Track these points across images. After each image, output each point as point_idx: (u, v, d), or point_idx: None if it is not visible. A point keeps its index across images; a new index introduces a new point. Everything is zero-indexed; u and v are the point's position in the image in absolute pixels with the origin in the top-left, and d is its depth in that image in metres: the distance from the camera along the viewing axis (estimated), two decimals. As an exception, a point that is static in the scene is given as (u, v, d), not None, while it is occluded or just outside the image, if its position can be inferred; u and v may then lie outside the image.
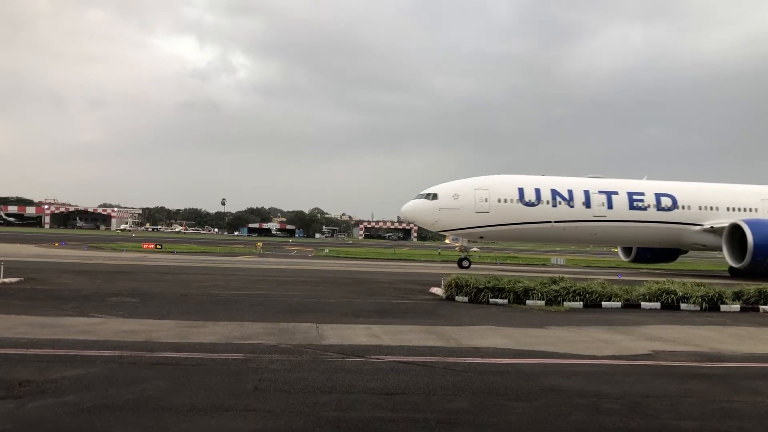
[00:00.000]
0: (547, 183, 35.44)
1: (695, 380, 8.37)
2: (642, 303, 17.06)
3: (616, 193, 35.44)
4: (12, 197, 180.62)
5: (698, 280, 20.61)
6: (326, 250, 56.89)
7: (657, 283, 18.23)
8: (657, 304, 16.99)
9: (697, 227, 35.28)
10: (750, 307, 17.27)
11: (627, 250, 41.86)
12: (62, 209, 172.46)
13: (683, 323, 14.27)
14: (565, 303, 16.63)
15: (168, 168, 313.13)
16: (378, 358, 8.96)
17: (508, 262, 47.53)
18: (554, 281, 17.96)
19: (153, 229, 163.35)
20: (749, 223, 32.43)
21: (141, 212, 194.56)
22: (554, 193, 34.72)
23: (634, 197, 35.50)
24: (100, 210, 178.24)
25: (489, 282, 17.31)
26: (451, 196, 33.95)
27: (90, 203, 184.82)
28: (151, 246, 48.20)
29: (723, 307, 16.91)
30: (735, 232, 32.76)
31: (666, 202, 35.63)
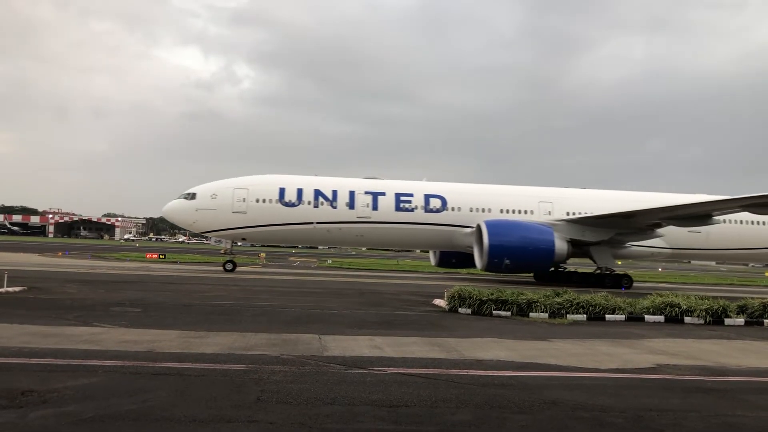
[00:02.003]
0: (311, 183, 34.36)
1: (699, 394, 8.32)
2: (646, 316, 17.00)
3: (383, 194, 34.41)
4: (16, 206, 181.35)
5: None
6: (329, 261, 56.85)
7: (661, 296, 18.17)
8: (661, 318, 16.94)
9: (468, 229, 33.93)
10: (754, 321, 17.19)
11: (435, 254, 40.37)
12: (66, 218, 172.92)
13: (687, 337, 14.20)
14: (568, 315, 16.58)
15: (172, 178, 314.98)
16: (381, 370, 8.94)
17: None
18: (557, 294, 17.92)
19: (156, 238, 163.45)
20: (488, 224, 31.57)
21: (145, 222, 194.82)
22: (317, 193, 33.71)
23: (402, 198, 34.44)
24: (103, 219, 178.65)
25: (492, 294, 17.28)
26: (210, 195, 32.83)
27: (94, 212, 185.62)
28: (155, 256, 48.22)
29: (727, 321, 16.84)
30: (481, 234, 31.85)
31: (435, 203, 34.58)
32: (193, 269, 35.93)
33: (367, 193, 34.28)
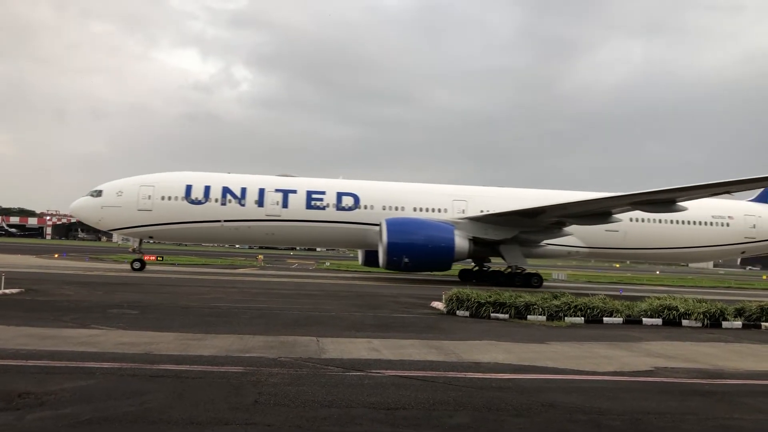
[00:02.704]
0: (219, 180, 33.98)
1: (697, 397, 8.33)
2: (643, 319, 17.02)
3: (294, 191, 34.10)
4: (14, 208, 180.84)
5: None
6: (327, 263, 56.80)
7: (658, 298, 18.20)
8: (658, 320, 16.96)
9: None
10: (752, 324, 17.21)
11: (362, 253, 39.61)
12: (64, 220, 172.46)
13: (685, 339, 14.22)
14: (566, 318, 16.59)
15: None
16: (378, 373, 8.93)
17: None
18: (555, 296, 17.94)
19: (154, 240, 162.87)
20: (389, 222, 31.38)
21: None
22: (225, 190, 33.30)
23: (313, 196, 34.13)
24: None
25: (490, 297, 17.28)
26: (115, 193, 32.44)
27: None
28: (152, 258, 48.07)
29: (725, 324, 16.86)
30: (381, 232, 31.64)
31: (347, 201, 34.26)
32: (190, 271, 35.89)
33: (277, 190, 33.92)
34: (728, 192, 29.69)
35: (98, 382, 7.66)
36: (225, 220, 33.11)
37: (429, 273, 37.16)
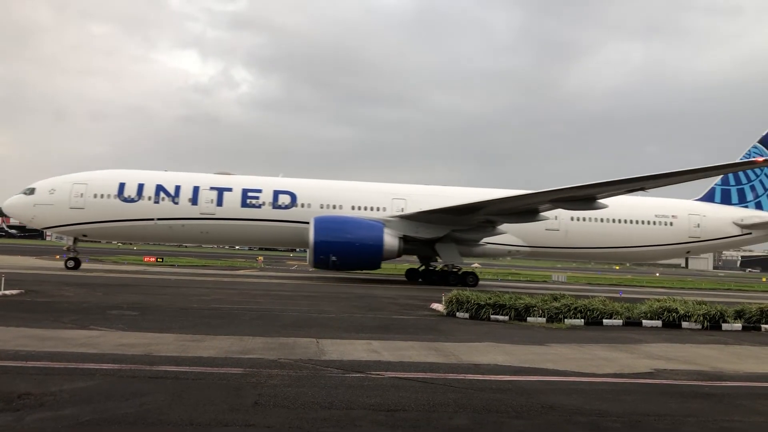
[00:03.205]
0: (153, 178, 33.59)
1: (697, 399, 8.33)
2: (643, 321, 17.01)
3: (229, 189, 33.72)
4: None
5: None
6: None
7: (658, 300, 18.20)
8: (658, 322, 16.95)
9: None
10: (752, 326, 17.21)
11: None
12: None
13: (685, 342, 14.21)
14: (566, 320, 16.58)
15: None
16: (378, 374, 8.93)
17: (509, 278, 47.42)
18: (555, 298, 17.94)
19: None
20: (316, 220, 31.09)
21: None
22: (159, 188, 32.95)
23: (249, 194, 33.78)
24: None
25: (490, 298, 17.29)
26: (48, 190, 32.10)
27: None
28: (152, 259, 48.17)
29: (725, 326, 16.85)
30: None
31: (284, 199, 33.92)
32: (190, 272, 35.88)
33: (212, 188, 33.62)
34: (643, 189, 29.37)
35: (98, 384, 7.65)
36: (158, 218, 32.81)
37: (375, 273, 36.72)
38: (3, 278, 18.06)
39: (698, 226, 37.63)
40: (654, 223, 37.22)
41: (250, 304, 18.56)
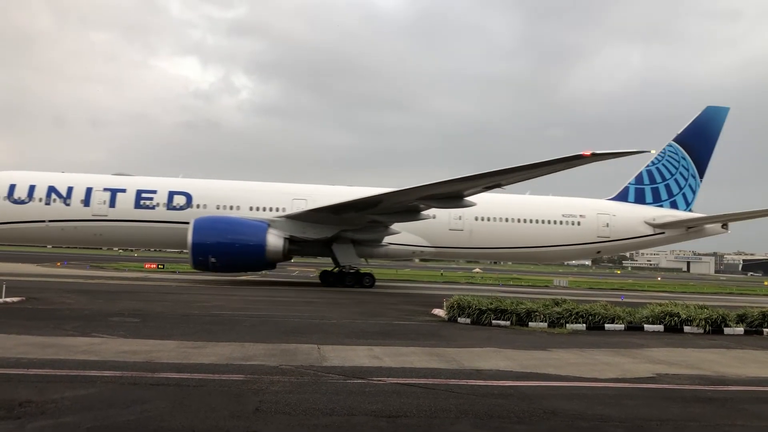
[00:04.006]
0: (46, 180, 32.65)
1: (699, 404, 8.31)
2: (645, 325, 16.99)
3: (123, 190, 32.93)
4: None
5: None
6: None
7: (660, 305, 18.18)
8: (660, 327, 16.93)
9: None
10: (754, 330, 17.18)
11: None
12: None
13: (686, 346, 14.19)
14: (567, 325, 16.56)
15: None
16: (380, 380, 8.92)
17: (510, 283, 47.38)
18: (557, 303, 17.91)
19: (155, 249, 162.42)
20: (196, 221, 30.06)
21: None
22: (51, 190, 32.07)
23: (143, 195, 32.98)
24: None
25: (491, 303, 17.26)
26: None
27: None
28: (153, 266, 48.12)
29: (726, 330, 16.83)
30: None
31: (179, 200, 33.11)
32: (191, 279, 35.85)
33: (105, 189, 32.94)
34: (499, 185, 28.71)
35: (99, 391, 7.64)
36: (50, 221, 32.14)
37: (276, 274, 35.98)
38: (4, 286, 18.06)
39: (607, 225, 36.96)
40: (561, 222, 36.57)
41: (251, 310, 18.54)
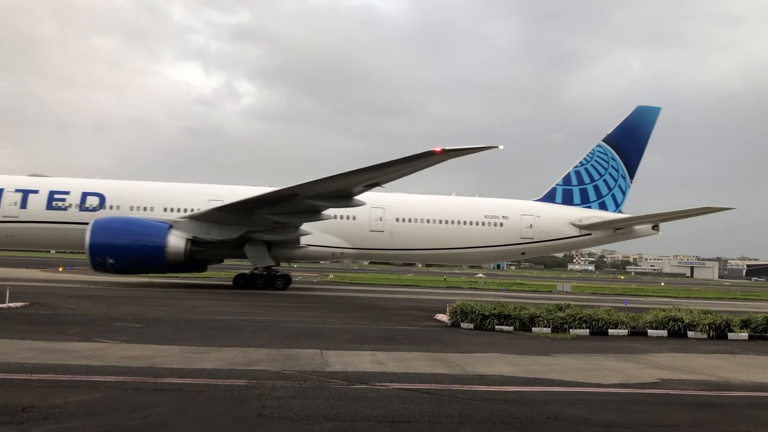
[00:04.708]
0: None
1: (703, 409, 8.28)
2: (648, 330, 16.94)
3: (35, 191, 32.45)
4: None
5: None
6: (331, 276, 56.72)
7: (664, 310, 18.12)
8: (664, 332, 16.87)
9: None
10: (758, 335, 17.11)
11: None
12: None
13: (690, 351, 14.14)
14: (571, 330, 16.52)
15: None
16: (383, 386, 8.90)
17: (514, 288, 47.31)
18: (560, 308, 17.87)
19: None
20: (95, 222, 29.43)
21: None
22: None
23: (56, 196, 32.50)
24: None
25: (495, 309, 17.23)
26: None
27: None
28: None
29: (731, 335, 16.76)
30: None
31: (92, 201, 32.56)
32: (193, 284, 35.87)
33: (17, 190, 32.48)
34: (378, 183, 28.17)
35: (102, 396, 7.64)
36: None
37: (203, 276, 35.25)
38: (8, 291, 18.09)
39: (531, 226, 36.51)
40: (483, 223, 36.16)
41: (253, 315, 18.54)
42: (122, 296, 24.23)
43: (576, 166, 38.92)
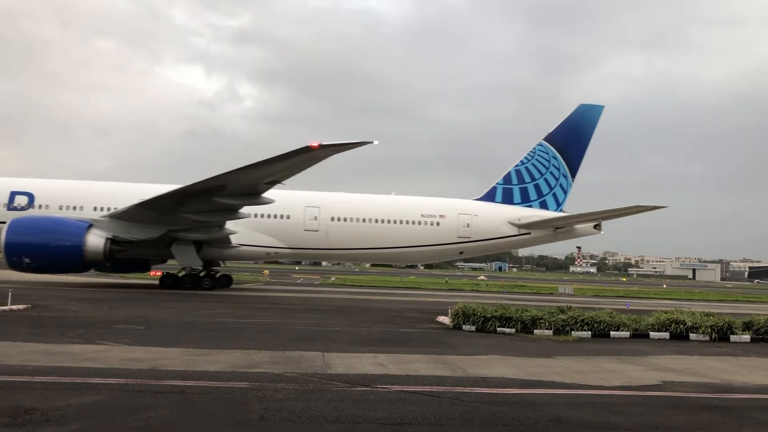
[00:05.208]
0: None
1: (705, 412, 8.26)
2: (651, 333, 16.91)
3: None
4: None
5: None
6: (333, 278, 56.75)
7: (666, 312, 18.10)
8: (666, 334, 16.84)
9: None
10: (760, 337, 17.08)
11: None
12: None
13: (692, 353, 14.11)
14: (573, 332, 16.50)
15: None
16: (384, 388, 8.90)
17: (516, 290, 47.27)
18: (562, 310, 17.85)
19: None
20: (12, 220, 28.99)
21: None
22: None
23: None
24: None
25: (496, 311, 17.22)
26: None
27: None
28: (159, 273, 48.13)
29: (733, 338, 16.73)
30: None
31: (20, 200, 32.17)
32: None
33: None
34: (277, 181, 28.16)
35: (104, 399, 7.65)
36: None
37: (126, 276, 35.16)
38: (10, 293, 18.12)
39: (468, 225, 36.17)
40: (420, 223, 35.86)
41: (255, 317, 18.54)
42: (124, 298, 24.25)
43: (517, 165, 38.37)
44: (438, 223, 36.04)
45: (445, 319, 18.58)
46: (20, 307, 18.01)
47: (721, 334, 16.73)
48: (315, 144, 23.99)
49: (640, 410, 8.18)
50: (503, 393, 8.90)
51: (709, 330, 16.73)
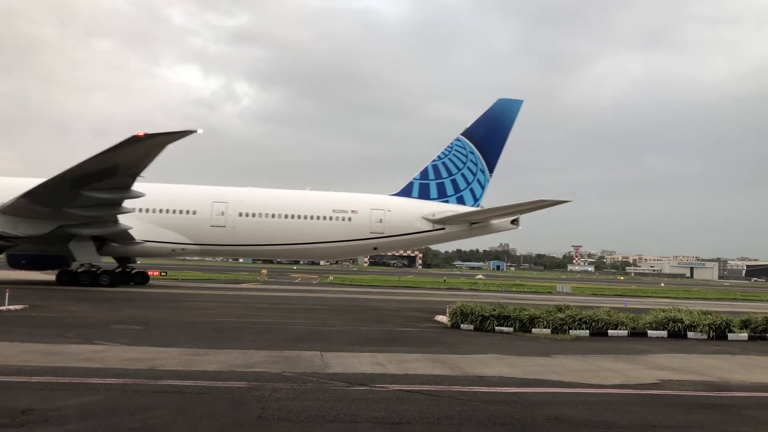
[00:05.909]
0: None
1: (703, 410, 8.27)
2: (648, 331, 16.93)
3: None
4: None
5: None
6: (331, 278, 56.73)
7: (663, 311, 18.12)
8: (663, 333, 16.87)
9: None
10: (758, 336, 17.10)
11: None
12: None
13: (690, 352, 14.13)
14: (571, 331, 16.51)
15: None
16: (383, 387, 8.90)
17: (514, 289, 47.30)
18: (560, 309, 17.86)
19: None
20: None
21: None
22: None
23: None
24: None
25: (494, 310, 17.23)
26: None
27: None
28: (156, 273, 48.09)
29: (730, 336, 16.76)
30: None
31: None
32: (194, 286, 35.86)
33: None
34: (137, 173, 27.51)
35: (102, 398, 7.63)
36: None
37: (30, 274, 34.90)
38: (7, 293, 18.09)
39: (381, 221, 35.82)
40: (331, 218, 35.48)
41: (253, 317, 18.53)
42: (122, 298, 24.21)
43: (434, 160, 37.96)
44: (350, 219, 35.67)
45: (443, 319, 18.59)
46: (17, 307, 17.99)
47: (718, 333, 16.75)
48: (141, 133, 23.81)
49: (638, 409, 8.19)
50: (501, 392, 8.91)
51: (707, 328, 16.76)
